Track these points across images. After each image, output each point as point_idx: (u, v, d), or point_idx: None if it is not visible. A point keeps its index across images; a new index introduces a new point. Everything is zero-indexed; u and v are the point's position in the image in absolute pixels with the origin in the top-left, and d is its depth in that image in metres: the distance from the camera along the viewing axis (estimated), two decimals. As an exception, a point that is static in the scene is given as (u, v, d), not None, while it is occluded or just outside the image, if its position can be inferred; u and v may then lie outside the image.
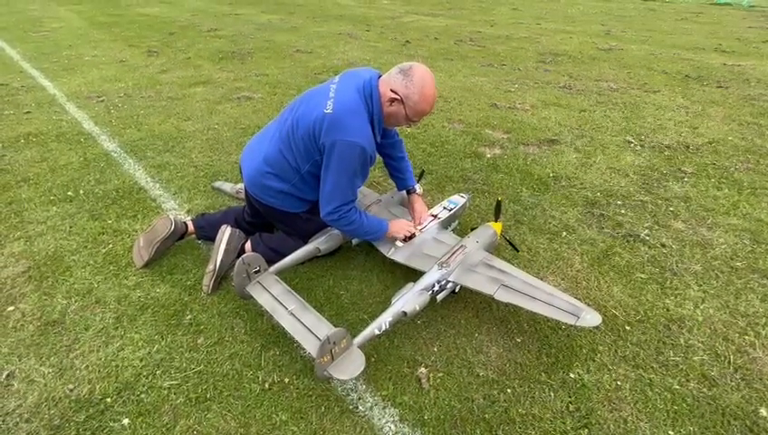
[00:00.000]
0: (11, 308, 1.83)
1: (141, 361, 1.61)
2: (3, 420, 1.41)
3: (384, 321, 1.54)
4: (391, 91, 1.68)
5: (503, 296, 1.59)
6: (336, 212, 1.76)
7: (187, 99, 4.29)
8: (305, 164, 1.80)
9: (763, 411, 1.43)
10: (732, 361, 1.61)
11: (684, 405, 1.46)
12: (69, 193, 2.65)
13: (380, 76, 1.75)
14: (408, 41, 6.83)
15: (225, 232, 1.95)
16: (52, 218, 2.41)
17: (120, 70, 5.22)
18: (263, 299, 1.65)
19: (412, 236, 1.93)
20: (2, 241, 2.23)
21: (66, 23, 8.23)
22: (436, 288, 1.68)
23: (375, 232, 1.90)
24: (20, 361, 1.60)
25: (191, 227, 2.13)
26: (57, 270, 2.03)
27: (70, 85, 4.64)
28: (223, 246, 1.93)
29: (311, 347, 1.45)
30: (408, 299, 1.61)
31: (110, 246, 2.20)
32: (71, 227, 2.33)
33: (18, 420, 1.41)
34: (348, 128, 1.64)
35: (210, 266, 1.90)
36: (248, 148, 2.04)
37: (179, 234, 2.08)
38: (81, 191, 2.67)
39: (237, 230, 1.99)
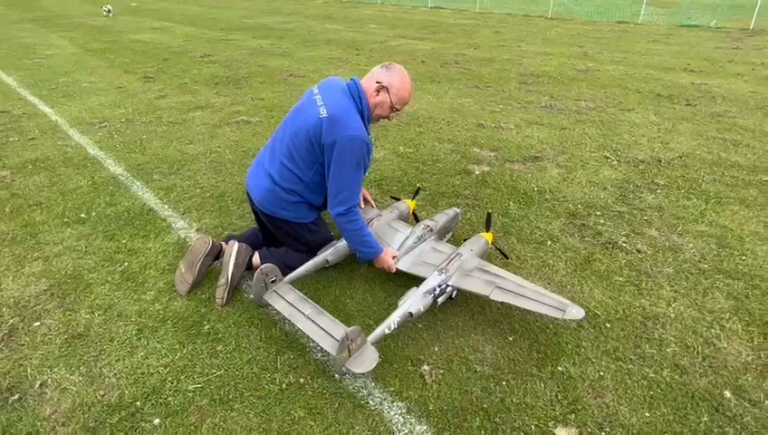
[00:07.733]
0: (37, 323, 1.95)
1: (165, 368, 1.74)
2: (41, 425, 1.52)
3: (393, 321, 1.71)
4: (376, 82, 1.96)
5: (497, 296, 1.77)
6: (344, 205, 1.90)
7: (188, 123, 4.46)
8: (309, 172, 1.99)
9: (727, 393, 1.62)
10: (700, 351, 1.80)
11: (658, 391, 1.64)
12: (81, 215, 2.78)
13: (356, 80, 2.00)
14: (396, 64, 7.13)
15: (234, 247, 2.09)
16: (68, 239, 2.53)
17: (118, 96, 5.38)
18: (280, 306, 1.80)
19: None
20: (21, 262, 2.34)
21: (60, 49, 8.37)
22: (437, 292, 1.85)
23: (372, 247, 2.01)
24: (51, 371, 1.72)
25: (224, 247, 2.18)
26: (78, 287, 2.16)
27: (71, 111, 4.79)
28: (233, 260, 2.07)
29: (329, 346, 1.61)
30: (414, 301, 1.78)
31: (126, 264, 2.33)
32: (86, 247, 2.46)
33: (55, 424, 1.53)
34: (345, 125, 1.86)
35: (222, 280, 2.04)
36: (251, 174, 2.20)
37: (216, 251, 2.15)
38: (94, 213, 2.80)
39: (244, 244, 2.14)
